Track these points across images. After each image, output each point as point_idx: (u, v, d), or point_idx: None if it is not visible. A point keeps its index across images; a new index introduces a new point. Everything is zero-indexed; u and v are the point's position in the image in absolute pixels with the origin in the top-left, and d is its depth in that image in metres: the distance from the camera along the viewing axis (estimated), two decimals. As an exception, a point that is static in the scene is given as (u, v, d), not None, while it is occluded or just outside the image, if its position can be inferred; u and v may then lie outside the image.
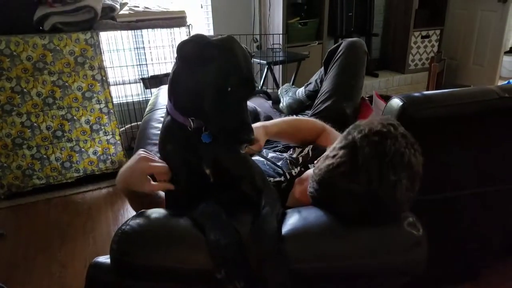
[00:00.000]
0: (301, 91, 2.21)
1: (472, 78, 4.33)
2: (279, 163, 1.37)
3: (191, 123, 1.04)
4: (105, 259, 1.21)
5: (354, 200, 0.93)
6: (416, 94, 1.31)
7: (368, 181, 0.89)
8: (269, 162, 1.38)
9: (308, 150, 1.42)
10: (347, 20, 3.98)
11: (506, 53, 4.37)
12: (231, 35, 1.05)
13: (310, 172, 1.17)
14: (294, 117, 1.91)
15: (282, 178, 1.32)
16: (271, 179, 1.30)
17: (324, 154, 1.04)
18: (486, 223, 1.62)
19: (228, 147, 1.09)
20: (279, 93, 2.45)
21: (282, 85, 2.79)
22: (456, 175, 1.43)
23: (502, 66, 4.34)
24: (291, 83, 3.20)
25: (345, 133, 1.00)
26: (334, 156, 0.96)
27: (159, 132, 1.75)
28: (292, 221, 0.97)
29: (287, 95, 2.31)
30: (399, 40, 4.22)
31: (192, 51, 0.98)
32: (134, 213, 1.04)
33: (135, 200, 1.19)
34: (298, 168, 1.36)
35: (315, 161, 1.14)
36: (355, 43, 1.91)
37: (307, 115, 2.07)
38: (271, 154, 1.46)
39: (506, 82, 2.66)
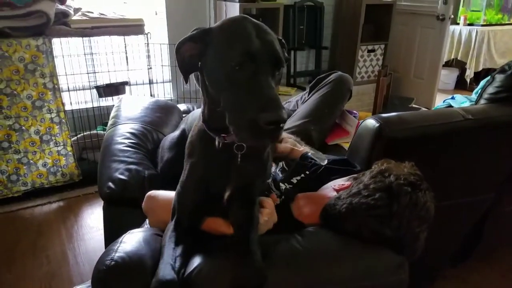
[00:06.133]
0: None
1: (413, 90, 4.60)
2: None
3: (220, 139, 0.98)
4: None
5: (379, 237, 1.00)
6: (390, 115, 1.37)
7: (398, 228, 0.99)
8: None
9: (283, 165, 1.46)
10: (299, 33, 4.08)
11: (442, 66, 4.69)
12: (243, 15, 0.93)
13: (321, 195, 1.20)
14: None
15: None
16: None
17: (353, 189, 1.08)
18: (444, 232, 1.72)
19: (259, 167, 1.06)
20: None
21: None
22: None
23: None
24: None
25: (375, 172, 1.07)
26: (368, 196, 1.02)
27: (125, 148, 1.72)
28: (290, 245, 1.00)
29: None
30: (347, 53, 4.38)
31: (190, 47, 0.92)
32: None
33: None
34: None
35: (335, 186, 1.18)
36: (343, 78, 1.98)
37: None
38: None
39: (450, 97, 2.85)
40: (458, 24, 5.36)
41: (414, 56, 4.59)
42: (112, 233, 1.49)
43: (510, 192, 1.71)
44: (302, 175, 1.33)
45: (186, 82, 0.97)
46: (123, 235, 1.04)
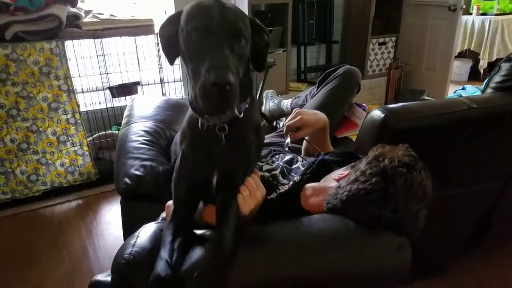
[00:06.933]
0: (287, 103, 2.27)
1: (425, 82, 4.57)
2: (294, 166, 1.42)
3: (204, 121, 1.01)
4: (105, 277, 1.22)
5: (379, 221, 1.02)
6: (395, 106, 1.38)
7: (395, 209, 1.00)
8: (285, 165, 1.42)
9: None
10: (309, 28, 4.09)
11: (454, 58, 4.65)
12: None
13: (325, 185, 1.23)
14: None
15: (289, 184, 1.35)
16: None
17: (351, 176, 1.10)
18: (452, 220, 1.73)
19: (242, 152, 1.07)
20: (263, 96, 2.51)
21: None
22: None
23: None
24: (258, 92, 3.25)
25: (370, 157, 1.09)
26: (365, 182, 1.04)
27: (139, 145, 1.77)
28: (294, 228, 1.04)
29: (271, 101, 2.36)
30: (357, 47, 4.38)
31: (169, 30, 0.98)
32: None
33: None
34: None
35: (335, 176, 1.21)
36: (351, 72, 1.98)
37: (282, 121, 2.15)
38: (288, 156, 1.49)
39: (460, 88, 2.84)
40: (470, 14, 5.30)
41: (425, 48, 4.55)
42: (130, 226, 1.55)
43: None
44: (309, 168, 1.36)
45: (171, 65, 1.04)
46: (139, 230, 1.08)
